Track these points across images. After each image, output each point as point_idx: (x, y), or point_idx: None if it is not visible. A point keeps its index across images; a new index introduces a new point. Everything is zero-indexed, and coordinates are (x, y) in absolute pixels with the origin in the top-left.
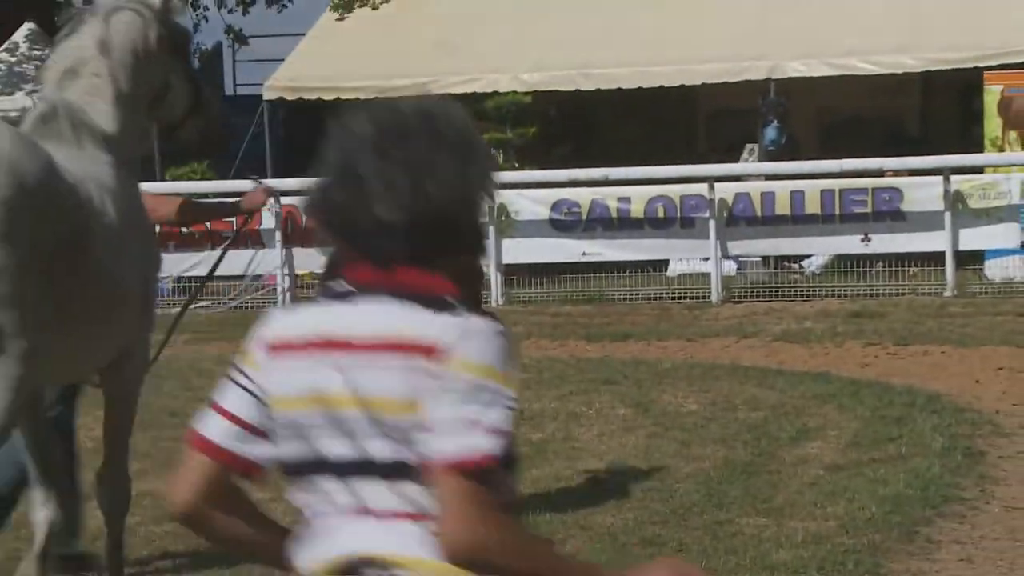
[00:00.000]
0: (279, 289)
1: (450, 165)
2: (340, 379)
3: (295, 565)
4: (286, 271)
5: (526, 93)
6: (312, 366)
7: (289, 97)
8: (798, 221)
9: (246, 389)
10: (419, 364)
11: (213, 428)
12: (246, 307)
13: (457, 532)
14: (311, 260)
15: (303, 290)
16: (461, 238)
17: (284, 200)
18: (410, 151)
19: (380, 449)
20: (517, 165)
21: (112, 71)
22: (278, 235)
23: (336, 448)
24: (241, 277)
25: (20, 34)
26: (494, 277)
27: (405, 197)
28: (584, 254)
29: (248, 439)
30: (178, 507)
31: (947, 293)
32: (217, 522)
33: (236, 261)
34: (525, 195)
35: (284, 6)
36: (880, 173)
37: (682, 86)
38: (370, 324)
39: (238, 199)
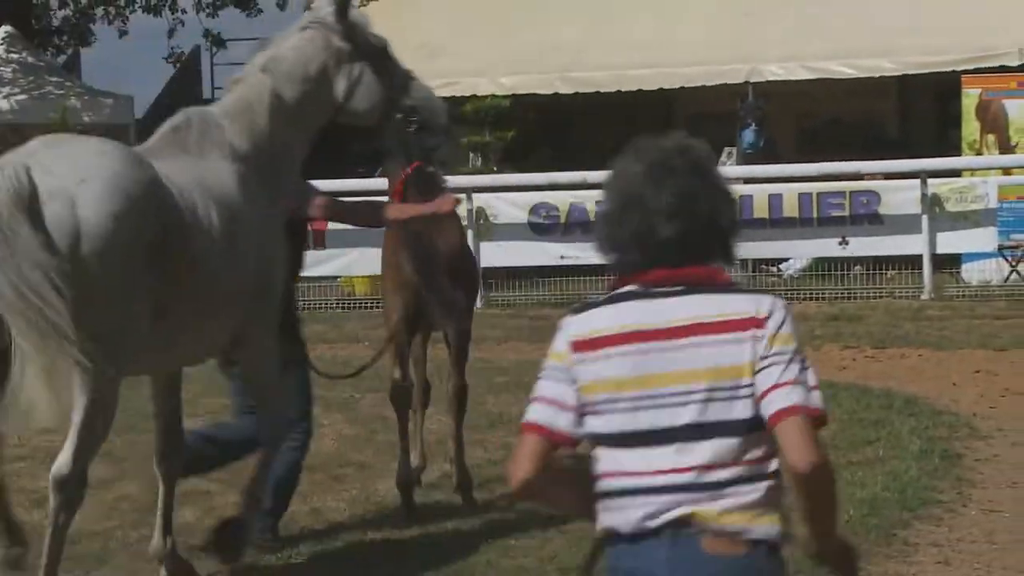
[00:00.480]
0: None
1: (705, 189)
2: (665, 360)
3: (612, 522)
4: None
5: (505, 97)
6: (628, 353)
7: None
8: (776, 224)
9: (559, 380)
10: (749, 335)
11: (538, 413)
12: None
13: (812, 459)
14: None
15: None
16: (722, 241)
17: None
18: (678, 181)
19: (717, 411)
20: (496, 168)
21: (274, 87)
22: None
23: (664, 418)
24: None
25: None
26: None
27: (682, 217)
28: (563, 257)
29: (566, 419)
30: (516, 484)
31: (924, 296)
32: (547, 491)
33: None
34: (504, 198)
35: (255, 12)
36: (858, 176)
37: (661, 89)
38: (687, 311)
39: (382, 201)
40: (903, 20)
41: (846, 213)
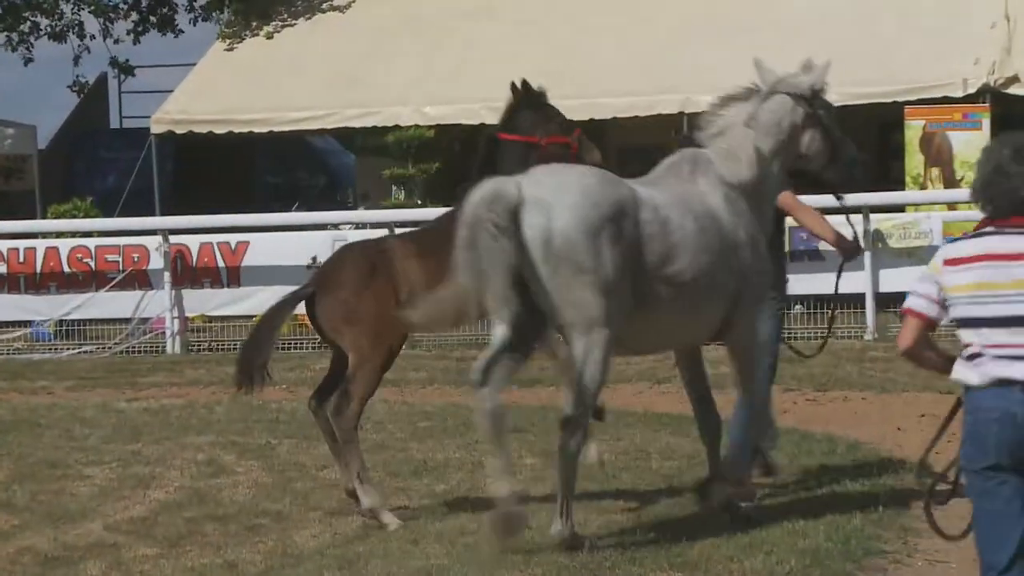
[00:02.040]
0: (167, 332)
1: None
2: (1005, 274)
3: (974, 377)
4: (175, 313)
5: (429, 127)
6: (982, 268)
7: (178, 131)
8: None
9: (932, 283)
10: None
11: (918, 303)
12: (133, 352)
13: None
14: (202, 301)
15: (194, 333)
16: None
17: (173, 240)
18: None
19: None
20: (420, 202)
21: (756, 139)
22: (167, 276)
23: (1003, 310)
24: (127, 320)
25: None
26: None
27: None
28: None
29: (935, 309)
30: (902, 350)
31: (868, 337)
32: (922, 357)
33: (122, 303)
34: None
35: (176, 33)
36: None
37: (591, 120)
38: None
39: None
40: (843, 49)
41: (786, 249)
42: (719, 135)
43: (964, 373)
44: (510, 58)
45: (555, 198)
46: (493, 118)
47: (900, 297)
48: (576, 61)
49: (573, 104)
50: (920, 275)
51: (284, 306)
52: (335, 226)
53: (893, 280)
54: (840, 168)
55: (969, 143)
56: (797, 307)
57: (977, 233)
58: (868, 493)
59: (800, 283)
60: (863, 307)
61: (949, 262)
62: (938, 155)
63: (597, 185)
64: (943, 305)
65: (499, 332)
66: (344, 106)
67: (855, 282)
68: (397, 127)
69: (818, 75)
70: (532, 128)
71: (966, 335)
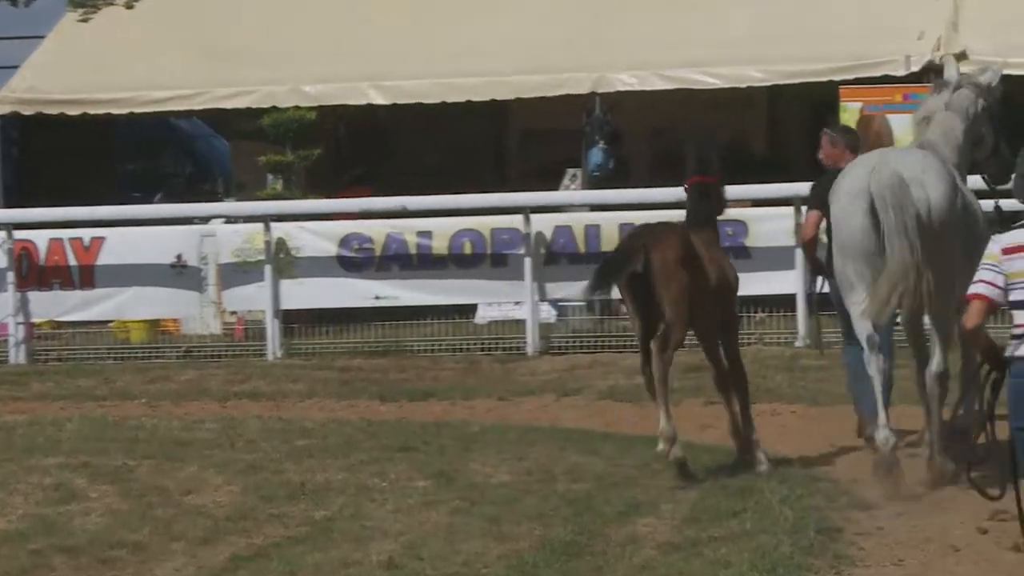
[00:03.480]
0: (11, 340)
1: None
2: None
3: (1011, 354)
4: (19, 319)
5: (310, 108)
6: None
7: (25, 112)
8: None
9: (994, 271)
10: None
11: (984, 289)
12: None
13: None
14: (50, 305)
15: (41, 341)
16: None
17: (18, 235)
18: None
19: None
20: (300, 193)
21: (952, 123)
22: (10, 276)
23: None
24: None
25: None
26: (271, 325)
27: None
28: (378, 298)
29: (997, 292)
30: (969, 330)
31: (799, 343)
32: (980, 336)
33: None
34: (309, 228)
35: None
36: None
37: (493, 101)
38: None
39: None
40: (773, 24)
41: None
42: (928, 120)
43: (1017, 349)
44: (400, 31)
45: (925, 176)
46: (381, 98)
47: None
48: (475, 35)
49: (473, 82)
50: (983, 264)
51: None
52: (203, 220)
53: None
54: (1001, 160)
55: (910, 127)
56: None
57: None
58: (798, 518)
59: None
60: (794, 310)
61: (1008, 251)
62: (877, 140)
63: (940, 163)
64: (1005, 289)
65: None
66: (214, 85)
67: (786, 282)
68: (274, 108)
69: (993, 74)
70: None
71: (1018, 316)
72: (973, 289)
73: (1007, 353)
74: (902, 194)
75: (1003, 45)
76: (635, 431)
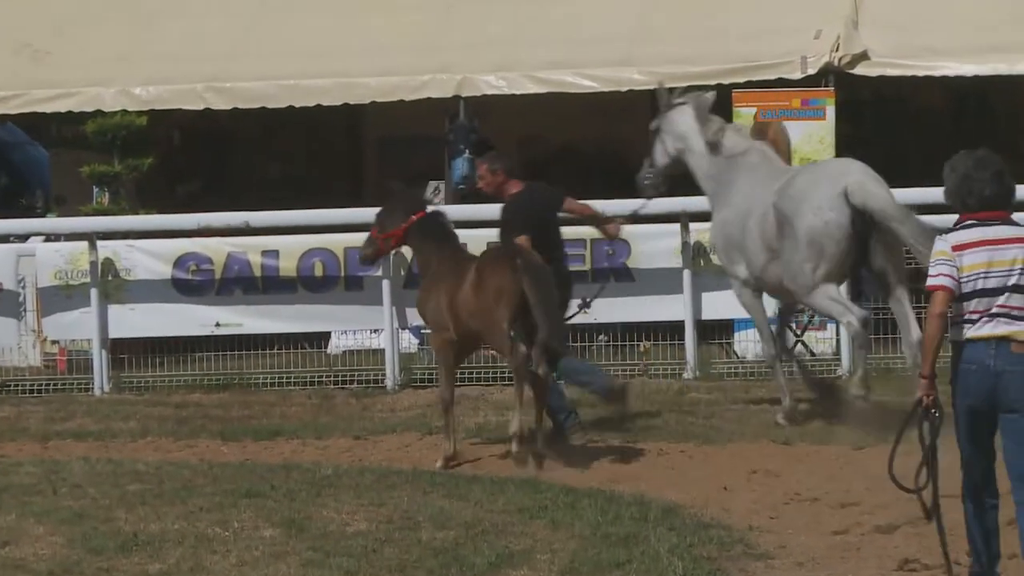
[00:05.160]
0: None
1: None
2: (1000, 254)
3: (966, 334)
4: None
5: (139, 113)
6: (984, 251)
7: None
8: None
9: (951, 264)
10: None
11: (946, 280)
12: None
13: None
14: None
15: None
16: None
17: None
18: (995, 168)
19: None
20: (129, 208)
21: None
22: None
23: (1000, 282)
24: None
25: None
26: (98, 356)
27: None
28: (218, 325)
29: (955, 283)
30: (938, 314)
31: (687, 374)
32: (943, 326)
33: None
34: (140, 247)
35: None
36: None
37: (345, 105)
38: (1007, 232)
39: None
40: (656, 21)
41: (586, 267)
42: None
43: (963, 332)
44: (242, 28)
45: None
46: (220, 101)
47: (727, 326)
48: (325, 32)
49: (324, 84)
50: (934, 260)
51: None
52: (20, 238)
53: (718, 305)
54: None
55: (811, 135)
56: (601, 337)
57: (964, 225)
58: (689, 569)
59: (605, 309)
60: (682, 338)
61: (957, 247)
62: (773, 149)
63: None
64: (957, 281)
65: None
66: (31, 86)
67: (673, 307)
68: (99, 113)
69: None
70: None
71: (971, 304)
72: (937, 281)
73: (963, 336)
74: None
75: (906, 45)
76: (506, 473)
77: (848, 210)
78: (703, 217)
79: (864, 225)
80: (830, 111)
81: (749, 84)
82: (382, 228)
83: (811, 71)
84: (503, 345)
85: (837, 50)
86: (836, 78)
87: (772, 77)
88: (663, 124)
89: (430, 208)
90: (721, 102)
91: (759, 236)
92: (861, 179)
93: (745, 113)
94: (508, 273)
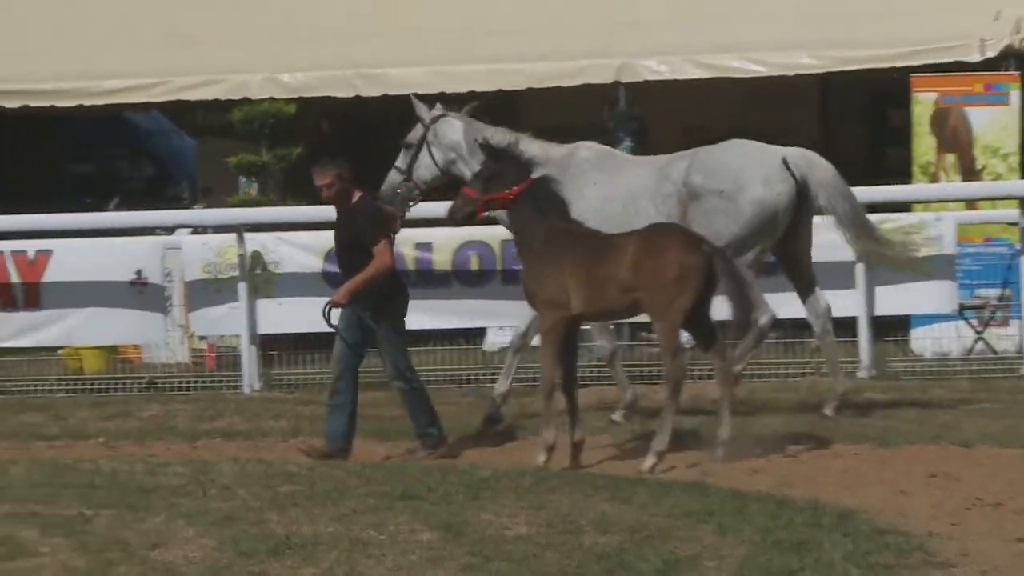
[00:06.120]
0: None
1: None
2: None
3: None
4: None
5: (288, 101)
6: None
7: None
8: None
9: None
10: None
11: None
12: None
13: None
14: None
15: None
16: None
17: None
18: None
19: None
20: (277, 198)
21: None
22: None
23: None
24: None
25: None
26: (247, 353)
27: None
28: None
29: None
30: None
31: (862, 373)
32: None
33: None
34: (289, 240)
35: None
36: None
37: (500, 92)
38: None
39: None
40: (826, 2)
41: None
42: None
43: None
44: (393, 12)
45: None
46: (370, 88)
47: (903, 323)
48: (478, 15)
49: (477, 70)
50: None
51: None
52: (167, 230)
53: (894, 300)
54: None
55: (994, 122)
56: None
57: None
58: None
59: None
60: (855, 336)
61: None
62: (954, 138)
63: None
64: None
65: None
66: (175, 72)
67: (846, 303)
68: (246, 100)
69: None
70: None
71: None
72: None
73: None
74: None
75: None
76: (672, 476)
77: (793, 182)
78: (876, 208)
79: (800, 200)
80: (1015, 96)
81: (924, 68)
82: (485, 188)
83: (990, 54)
84: (671, 333)
85: (1018, 32)
86: (1016, 61)
87: (947, 60)
88: (432, 136)
89: (536, 174)
90: (893, 87)
91: (657, 215)
92: (800, 151)
93: (924, 99)
94: (696, 253)
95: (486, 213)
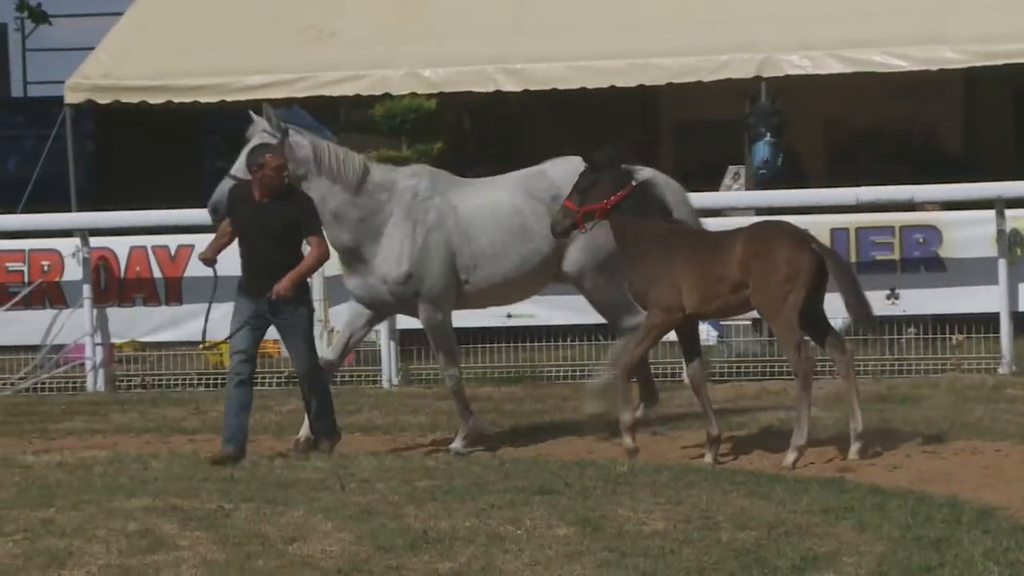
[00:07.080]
0: (88, 364)
1: None
2: None
3: None
4: (97, 339)
5: (429, 96)
6: None
7: (102, 100)
8: None
9: None
10: None
11: None
12: (42, 389)
13: None
14: (132, 324)
15: (122, 365)
16: None
17: (94, 242)
18: None
19: None
20: None
21: None
22: (86, 290)
23: None
24: (35, 349)
25: None
26: (386, 348)
27: None
28: (509, 316)
29: None
30: None
31: (1003, 369)
32: None
33: (28, 327)
34: None
35: None
36: (911, 207)
37: (641, 87)
38: None
39: None
40: None
41: (895, 256)
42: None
43: None
44: (531, 6)
45: None
46: (511, 83)
47: None
48: (618, 10)
49: (618, 65)
50: None
51: None
52: None
53: None
54: None
55: None
56: (911, 330)
57: None
58: (1004, 573)
59: (915, 301)
60: (997, 331)
61: None
62: None
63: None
64: None
65: None
66: (317, 68)
67: (987, 298)
68: (387, 96)
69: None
70: None
71: None
72: None
73: None
74: None
75: None
76: (810, 471)
77: None
78: (1021, 204)
79: None
80: None
81: None
82: (583, 200)
83: None
84: (786, 330)
85: None
86: None
87: None
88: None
89: (637, 180)
90: None
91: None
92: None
93: None
94: (805, 249)
95: (588, 224)
